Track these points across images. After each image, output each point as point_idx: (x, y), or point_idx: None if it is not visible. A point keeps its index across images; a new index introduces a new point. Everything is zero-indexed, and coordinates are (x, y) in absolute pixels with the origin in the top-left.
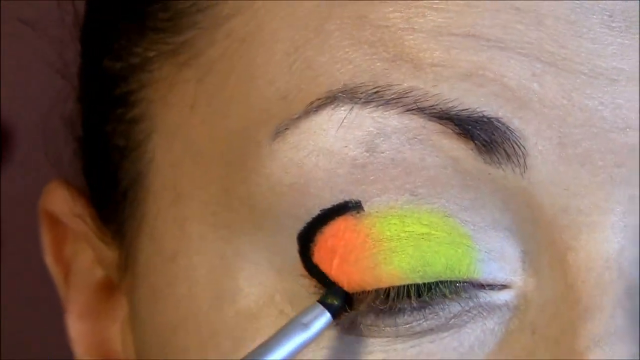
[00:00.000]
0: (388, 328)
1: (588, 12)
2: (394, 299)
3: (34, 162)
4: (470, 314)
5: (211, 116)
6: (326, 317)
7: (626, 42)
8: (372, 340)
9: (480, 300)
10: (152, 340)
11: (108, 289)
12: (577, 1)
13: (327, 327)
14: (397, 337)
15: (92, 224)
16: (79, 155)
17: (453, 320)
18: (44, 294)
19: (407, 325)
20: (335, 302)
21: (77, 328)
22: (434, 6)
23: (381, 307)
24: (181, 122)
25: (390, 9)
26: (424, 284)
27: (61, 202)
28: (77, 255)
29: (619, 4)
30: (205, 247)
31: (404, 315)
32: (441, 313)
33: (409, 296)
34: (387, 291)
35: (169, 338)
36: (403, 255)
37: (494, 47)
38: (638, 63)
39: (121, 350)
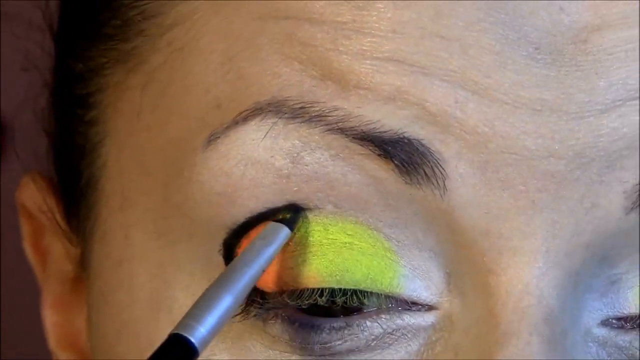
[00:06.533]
0: (307, 346)
1: (513, 44)
2: (306, 298)
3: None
4: (393, 336)
5: (154, 124)
6: (285, 231)
7: (551, 74)
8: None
9: (405, 321)
10: (99, 344)
11: (78, 282)
12: (502, 32)
13: (287, 239)
14: (315, 357)
15: (60, 219)
16: (50, 150)
17: (374, 342)
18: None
19: (327, 345)
20: (288, 216)
21: (50, 319)
22: (360, 30)
23: (291, 304)
24: (129, 128)
25: (318, 29)
26: (340, 289)
27: (32, 196)
28: (52, 246)
29: (545, 37)
30: (146, 255)
31: (322, 333)
32: (361, 335)
33: (321, 297)
34: (301, 292)
35: (113, 343)
36: (323, 260)
37: (417, 72)
38: (561, 94)
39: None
